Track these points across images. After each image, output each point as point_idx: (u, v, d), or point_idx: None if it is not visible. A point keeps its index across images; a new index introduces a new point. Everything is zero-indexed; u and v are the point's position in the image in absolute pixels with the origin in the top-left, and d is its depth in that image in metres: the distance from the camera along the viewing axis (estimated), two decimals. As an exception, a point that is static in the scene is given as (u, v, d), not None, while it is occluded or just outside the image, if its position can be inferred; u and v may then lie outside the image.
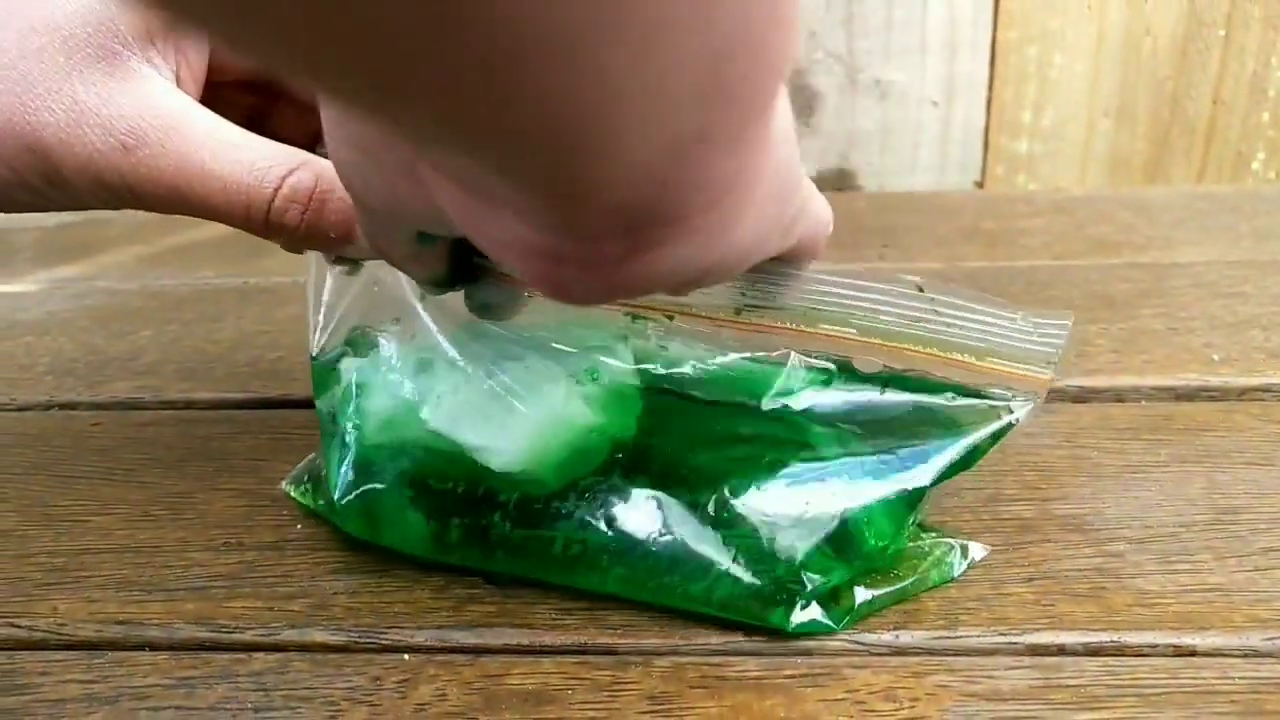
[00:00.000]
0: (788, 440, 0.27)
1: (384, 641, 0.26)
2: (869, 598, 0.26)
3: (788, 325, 0.27)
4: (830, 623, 0.25)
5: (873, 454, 0.27)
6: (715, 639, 0.26)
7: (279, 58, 0.12)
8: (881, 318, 0.26)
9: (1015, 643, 0.25)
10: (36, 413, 0.41)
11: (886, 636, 0.25)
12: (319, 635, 0.27)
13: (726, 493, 0.26)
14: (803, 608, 0.25)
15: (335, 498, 0.28)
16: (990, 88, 0.74)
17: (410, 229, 0.23)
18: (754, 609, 0.25)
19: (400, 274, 0.31)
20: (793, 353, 0.28)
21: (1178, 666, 0.24)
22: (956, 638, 0.25)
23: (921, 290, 0.26)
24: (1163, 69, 0.73)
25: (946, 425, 0.27)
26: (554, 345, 0.28)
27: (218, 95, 0.29)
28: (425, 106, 0.12)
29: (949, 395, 0.27)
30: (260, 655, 0.26)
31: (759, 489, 0.26)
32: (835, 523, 0.26)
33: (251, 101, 0.33)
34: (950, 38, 0.72)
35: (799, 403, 0.27)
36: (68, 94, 0.26)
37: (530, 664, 0.25)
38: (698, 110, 0.14)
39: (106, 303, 0.53)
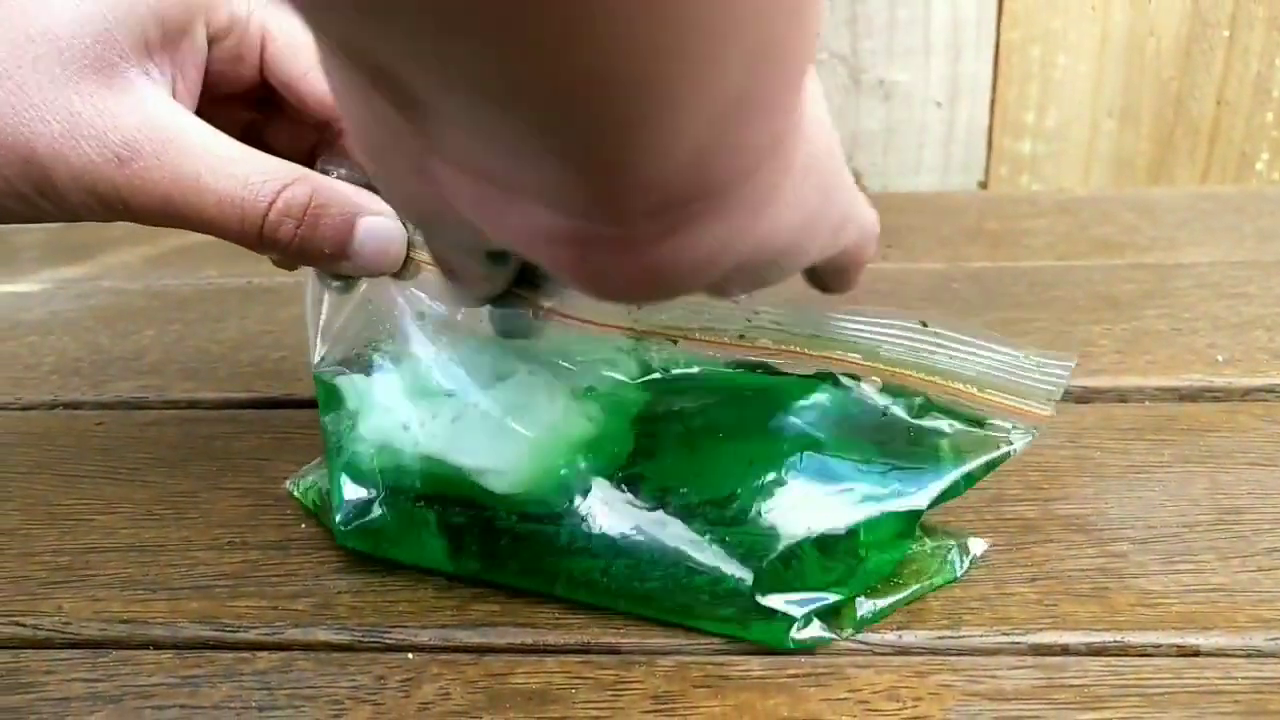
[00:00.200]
0: (788, 457, 0.27)
1: (388, 640, 0.26)
2: (873, 609, 0.26)
3: (792, 349, 0.27)
4: (831, 637, 0.25)
5: (872, 474, 0.27)
6: (719, 639, 0.26)
7: None
8: (884, 348, 0.26)
9: (1018, 642, 0.25)
10: (41, 412, 0.41)
11: (890, 636, 0.25)
12: (323, 634, 0.27)
13: (722, 514, 0.26)
14: (801, 627, 0.25)
15: (336, 520, 0.28)
16: (994, 88, 0.74)
17: (481, 254, 0.23)
18: (756, 629, 0.25)
19: (393, 292, 0.31)
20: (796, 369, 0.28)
21: (1181, 667, 0.24)
22: (960, 637, 0.25)
23: (925, 325, 0.26)
24: (1166, 69, 0.72)
25: (946, 451, 0.27)
26: (555, 361, 0.28)
27: (214, 110, 0.29)
28: (482, 46, 0.12)
29: (950, 421, 0.27)
30: (264, 654, 0.26)
31: (758, 508, 0.26)
32: (835, 539, 0.26)
33: (248, 117, 0.33)
34: (954, 38, 0.72)
35: (800, 419, 0.27)
36: (63, 104, 0.26)
37: (534, 663, 0.25)
38: (745, 70, 0.13)
39: (110, 302, 0.54)
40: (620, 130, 0.13)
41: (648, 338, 0.28)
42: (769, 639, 0.25)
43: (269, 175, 0.27)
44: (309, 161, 0.30)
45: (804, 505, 0.26)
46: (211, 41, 0.29)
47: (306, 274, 0.31)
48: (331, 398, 0.30)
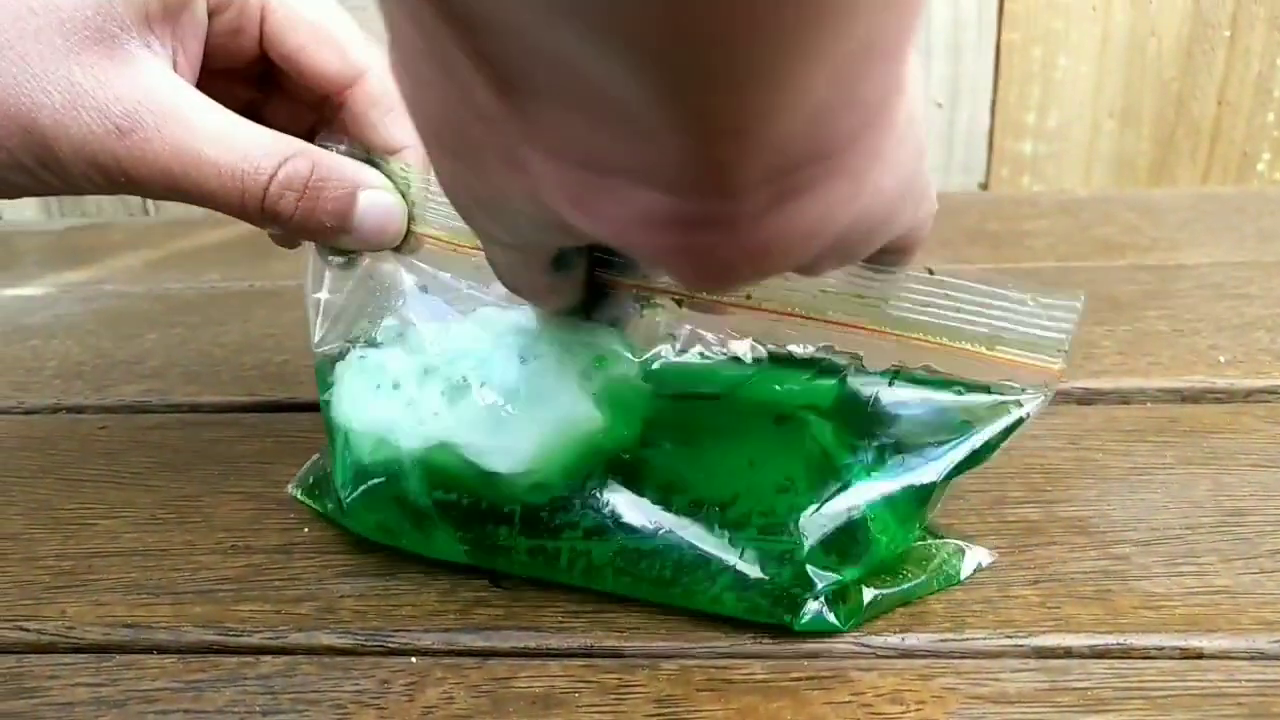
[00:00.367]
0: (795, 439, 0.27)
1: (391, 644, 0.26)
2: (875, 596, 0.26)
3: (796, 312, 0.26)
4: (837, 622, 0.25)
5: (881, 452, 0.27)
6: (722, 642, 0.26)
7: None
8: (890, 302, 0.26)
9: (1021, 645, 0.25)
10: (44, 416, 0.41)
11: (893, 639, 0.26)
12: (326, 638, 0.27)
13: (733, 493, 0.26)
14: (810, 607, 0.25)
15: (342, 498, 0.28)
16: (995, 89, 0.74)
17: (545, 260, 0.23)
18: (761, 609, 0.25)
19: (399, 268, 0.31)
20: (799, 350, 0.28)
21: (1184, 669, 0.24)
22: (963, 640, 0.25)
23: (931, 272, 0.26)
24: (1167, 70, 0.72)
25: (956, 421, 0.27)
26: (561, 339, 0.28)
27: (214, 85, 0.29)
28: None
29: (958, 390, 0.27)
30: (268, 658, 0.26)
31: (766, 489, 0.26)
32: (843, 521, 0.26)
33: (247, 95, 0.33)
34: (954, 39, 0.73)
35: (806, 401, 0.27)
36: (64, 76, 0.26)
37: (538, 667, 0.25)
38: (876, 10, 0.13)
39: (113, 306, 0.54)
40: (746, 84, 0.13)
41: (653, 300, 0.28)
42: (775, 619, 0.25)
43: (270, 148, 0.27)
44: (308, 140, 0.30)
45: (812, 488, 0.26)
46: (211, 14, 0.30)
47: (307, 251, 0.31)
48: (330, 377, 0.30)
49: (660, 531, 0.26)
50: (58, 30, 0.26)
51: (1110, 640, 0.25)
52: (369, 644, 0.26)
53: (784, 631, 0.26)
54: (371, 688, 0.25)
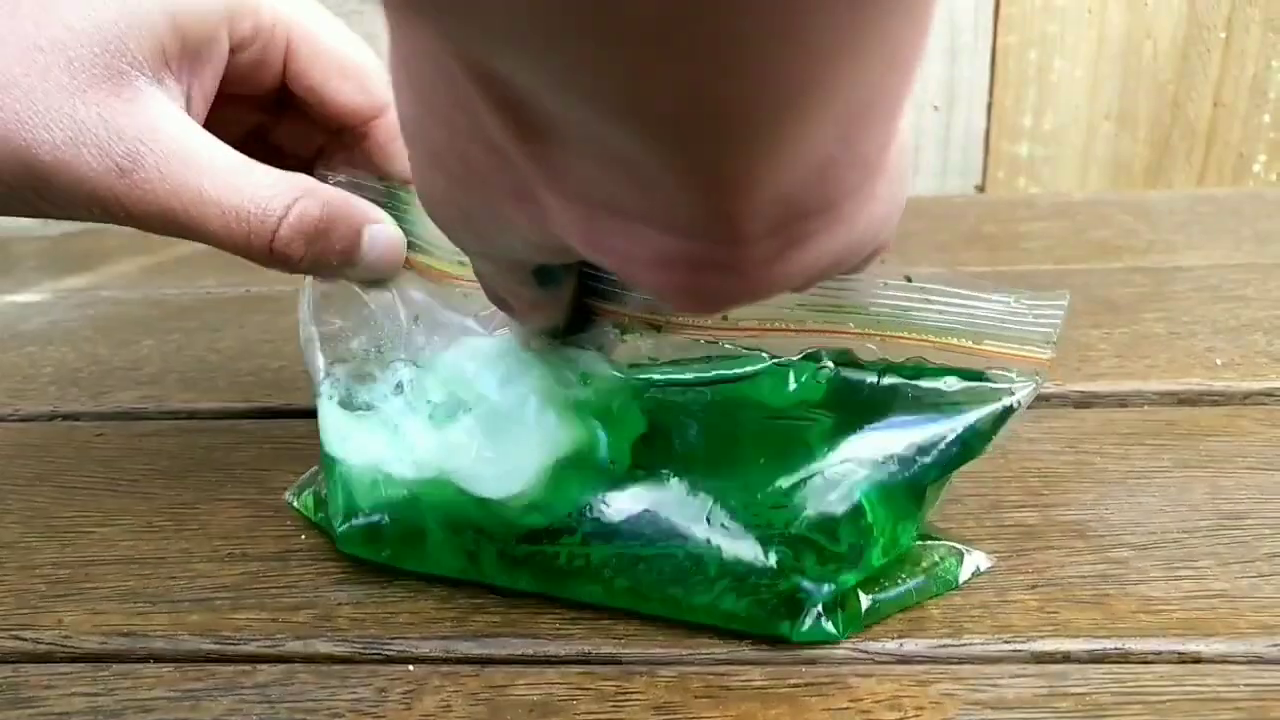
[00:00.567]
0: (789, 437, 0.27)
1: (389, 652, 0.26)
2: (872, 603, 0.26)
3: (777, 326, 0.26)
4: (835, 631, 0.25)
5: (873, 447, 0.26)
6: (720, 649, 0.26)
7: None
8: (873, 309, 0.26)
9: (1020, 650, 0.25)
10: (40, 423, 0.41)
11: (891, 645, 0.25)
12: (324, 646, 0.27)
13: (728, 497, 0.26)
14: (807, 617, 0.25)
15: (336, 527, 0.28)
16: (991, 92, 0.74)
17: (528, 273, 0.23)
18: (758, 620, 0.25)
19: (395, 296, 0.31)
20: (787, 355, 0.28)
21: (1182, 674, 0.24)
22: (961, 646, 0.25)
23: (909, 280, 0.26)
24: (1163, 72, 0.73)
25: (947, 411, 0.26)
26: (545, 361, 0.28)
27: (225, 111, 0.29)
28: (635, 58, 0.12)
29: (948, 380, 0.26)
30: (265, 667, 0.26)
31: (759, 495, 0.26)
32: (839, 520, 0.26)
33: (259, 119, 0.33)
34: (951, 43, 0.73)
35: (799, 397, 0.27)
36: (67, 113, 0.26)
37: (535, 674, 0.25)
38: (880, 71, 0.14)
39: (109, 312, 0.54)
40: (755, 146, 0.13)
41: (631, 327, 0.28)
42: (772, 630, 0.25)
43: (277, 190, 0.27)
44: (313, 161, 0.30)
45: (805, 491, 0.26)
46: (234, 50, 0.29)
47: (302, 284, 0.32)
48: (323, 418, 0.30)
49: (655, 540, 0.26)
50: (64, 68, 0.26)
51: (1108, 645, 0.25)
52: (366, 652, 0.26)
53: (782, 638, 0.26)
54: (369, 696, 0.25)
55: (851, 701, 0.24)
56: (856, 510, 0.26)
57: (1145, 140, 0.75)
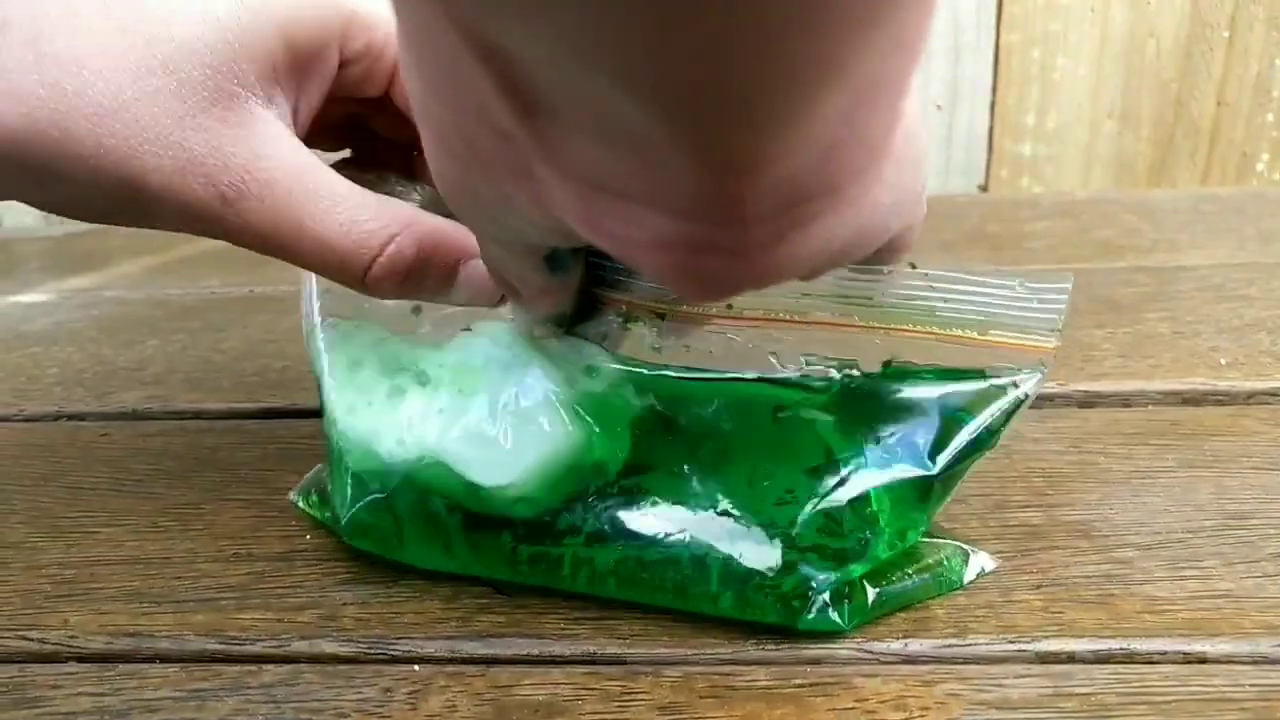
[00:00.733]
0: (794, 433, 0.27)
1: (394, 652, 0.26)
2: (878, 595, 0.26)
3: (780, 317, 0.26)
4: (840, 621, 0.25)
5: (880, 445, 0.27)
6: (725, 649, 0.26)
7: None
8: (876, 298, 0.26)
9: (1025, 650, 0.25)
10: (45, 424, 0.41)
11: (896, 645, 0.26)
12: (329, 646, 0.27)
13: (732, 492, 0.26)
14: (813, 606, 0.25)
15: (339, 514, 0.28)
16: (994, 91, 0.74)
17: (538, 258, 0.23)
18: (763, 608, 0.25)
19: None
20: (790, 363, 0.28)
21: (1188, 674, 0.24)
22: (966, 646, 0.25)
23: (914, 267, 0.26)
24: (1166, 71, 0.73)
25: (955, 407, 0.26)
26: (548, 354, 0.28)
27: (325, 107, 0.29)
28: (642, 29, 0.12)
29: (954, 377, 0.27)
30: (270, 667, 0.26)
31: (763, 489, 0.26)
32: (846, 515, 0.26)
33: (358, 109, 0.33)
34: (954, 41, 0.73)
35: (804, 395, 0.27)
36: (177, 140, 0.25)
37: (541, 674, 0.25)
38: (885, 49, 0.14)
39: (114, 313, 0.54)
40: (761, 126, 0.13)
41: (635, 315, 0.28)
42: (777, 620, 0.25)
43: (374, 225, 0.27)
44: (411, 150, 0.30)
45: (810, 486, 0.26)
46: (342, 65, 0.29)
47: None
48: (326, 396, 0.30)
49: (661, 536, 0.26)
50: (175, 94, 0.25)
51: (1113, 645, 0.25)
52: (371, 652, 0.26)
53: (787, 637, 0.26)
54: (374, 696, 0.25)
55: (857, 701, 0.24)
56: (862, 502, 0.26)
57: (1148, 139, 0.75)
